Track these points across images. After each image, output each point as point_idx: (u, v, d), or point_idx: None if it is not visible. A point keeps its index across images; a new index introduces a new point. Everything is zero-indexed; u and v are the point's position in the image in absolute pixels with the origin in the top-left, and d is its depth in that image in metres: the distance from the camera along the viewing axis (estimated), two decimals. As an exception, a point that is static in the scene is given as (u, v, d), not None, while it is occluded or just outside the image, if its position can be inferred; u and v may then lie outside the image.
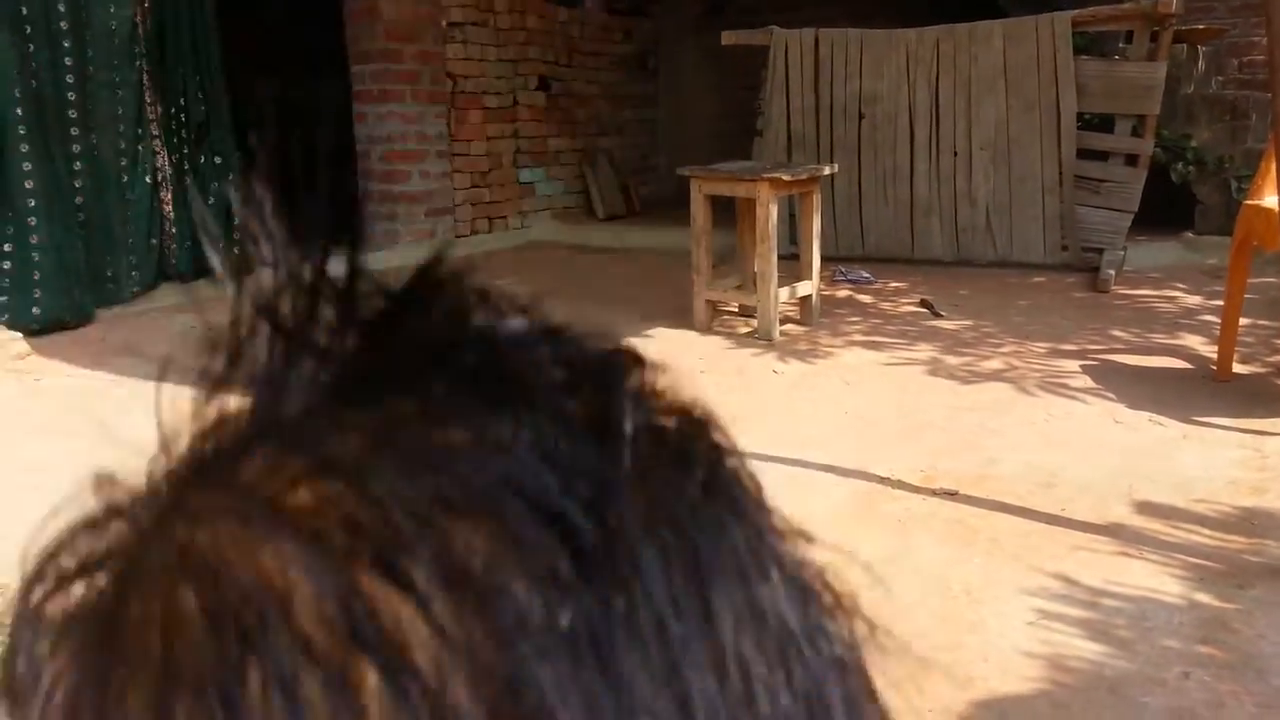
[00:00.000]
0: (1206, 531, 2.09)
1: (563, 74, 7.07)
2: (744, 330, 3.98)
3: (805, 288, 4.04)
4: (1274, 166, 2.96)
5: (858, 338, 3.85)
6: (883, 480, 2.41)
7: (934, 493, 2.33)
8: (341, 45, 5.85)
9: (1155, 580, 1.88)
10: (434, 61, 5.98)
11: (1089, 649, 1.66)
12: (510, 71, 6.56)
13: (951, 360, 3.47)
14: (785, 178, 3.79)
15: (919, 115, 5.36)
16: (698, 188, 3.95)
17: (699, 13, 8.19)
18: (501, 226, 6.60)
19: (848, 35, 5.51)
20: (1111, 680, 1.58)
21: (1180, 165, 5.38)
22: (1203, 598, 1.81)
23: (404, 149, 5.86)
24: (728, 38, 5.73)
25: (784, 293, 3.89)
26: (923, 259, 5.38)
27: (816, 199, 4.03)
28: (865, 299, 4.58)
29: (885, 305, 4.44)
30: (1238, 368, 3.21)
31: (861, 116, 5.50)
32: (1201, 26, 5.60)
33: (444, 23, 6.02)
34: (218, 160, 4.64)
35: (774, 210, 3.79)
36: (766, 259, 3.79)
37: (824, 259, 4.36)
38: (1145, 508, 2.21)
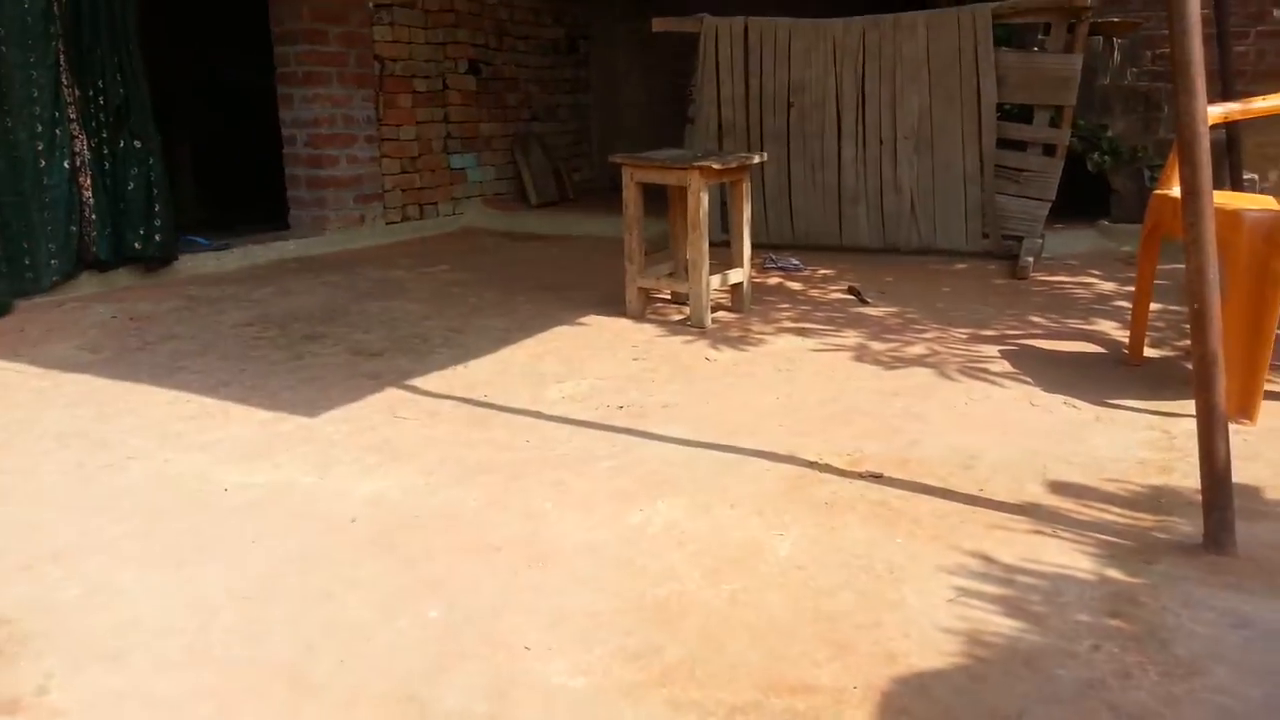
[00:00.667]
0: (1117, 510, 2.19)
1: (493, 57, 7.02)
2: (676, 318, 4.03)
3: (737, 275, 4.09)
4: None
5: (788, 324, 3.92)
6: (811, 464, 2.47)
7: (860, 476, 2.40)
8: (265, 25, 5.73)
9: (1068, 557, 1.97)
10: (361, 43, 5.89)
11: (1005, 624, 1.74)
12: (439, 54, 6.50)
13: (877, 346, 3.56)
14: (716, 166, 3.83)
15: (846, 104, 5.45)
16: (629, 175, 3.98)
17: (630, -3, 8.19)
18: (432, 212, 6.55)
19: (777, 24, 5.57)
20: (1026, 653, 1.65)
21: (1096, 155, 5.56)
22: (1113, 573, 1.90)
23: (331, 132, 5.77)
24: (658, 24, 5.75)
25: (715, 280, 3.94)
26: (851, 246, 5.48)
27: (747, 187, 4.08)
28: (795, 286, 4.66)
29: (814, 292, 4.52)
30: (1149, 352, 3.34)
31: (790, 105, 5.57)
32: (1117, 19, 5.78)
33: (371, 4, 5.94)
34: (137, 144, 4.52)
35: (705, 198, 3.83)
36: (698, 247, 3.83)
37: (755, 246, 4.43)
38: (1059, 487, 2.30)
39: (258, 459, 2.54)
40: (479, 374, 3.27)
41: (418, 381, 3.17)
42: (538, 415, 2.86)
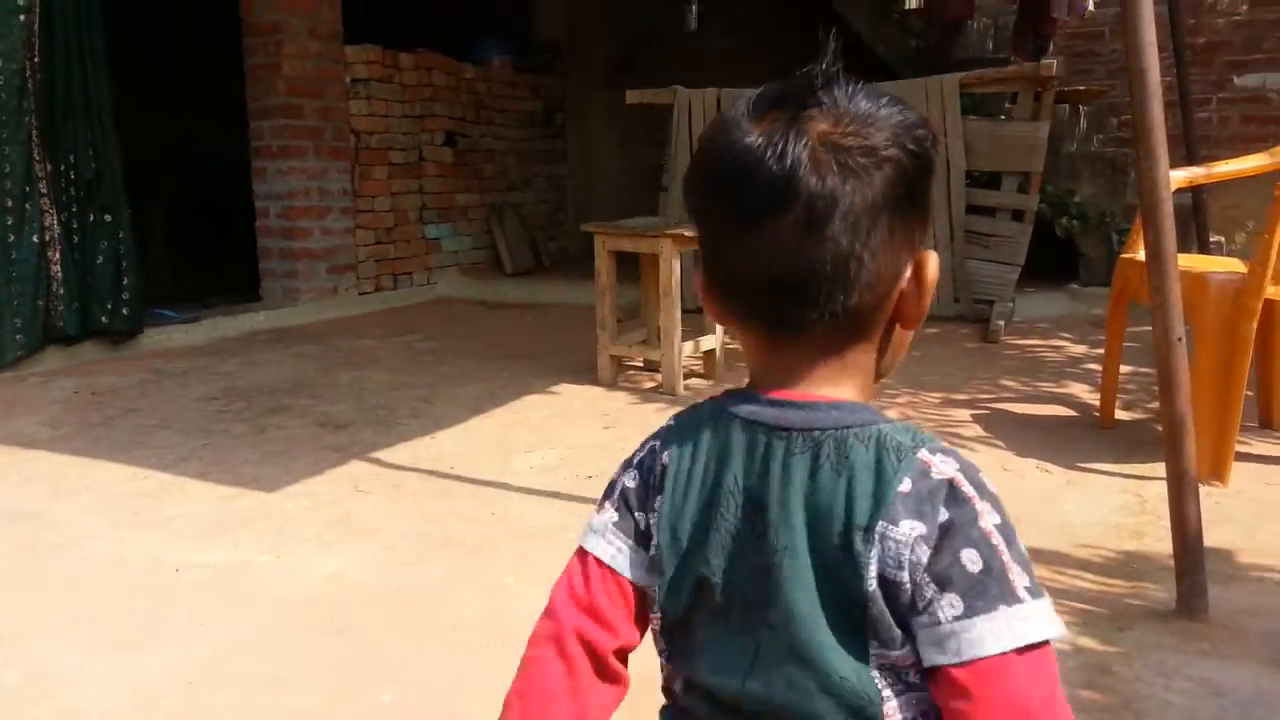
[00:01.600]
0: (1090, 576, 2.15)
1: (469, 130, 7.09)
2: (649, 385, 4.00)
3: (709, 341, 4.08)
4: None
5: (761, 390, 3.89)
6: (781, 533, 2.42)
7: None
8: (242, 98, 5.78)
9: (1041, 626, 1.92)
10: (337, 117, 5.94)
11: (977, 698, 1.68)
12: (416, 127, 6.55)
13: (850, 411, 3.53)
14: (688, 234, 3.84)
15: (818, 172, 5.49)
16: (602, 244, 3.98)
17: (606, 70, 8.33)
18: (407, 283, 6.54)
19: (749, 95, 5.64)
20: (998, 729, 1.60)
21: (1065, 220, 5.63)
22: (1086, 642, 1.86)
23: (305, 205, 5.78)
24: (632, 96, 5.83)
25: (688, 347, 3.92)
26: (825, 311, 5.48)
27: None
28: (769, 351, 4.64)
29: (788, 357, 4.50)
30: (1120, 414, 3.33)
31: (763, 173, 5.62)
32: (1082, 87, 5.90)
33: (348, 79, 6.00)
34: (108, 218, 4.51)
35: (677, 266, 3.83)
36: (670, 314, 3.82)
37: (727, 313, 4.41)
38: (1032, 554, 2.24)
39: (213, 537, 2.47)
40: (446, 445, 3.22)
41: (383, 454, 3.12)
42: (505, 487, 2.81)
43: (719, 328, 4.11)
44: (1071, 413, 3.48)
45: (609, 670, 0.82)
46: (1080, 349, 4.51)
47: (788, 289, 0.73)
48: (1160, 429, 2.03)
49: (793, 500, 0.73)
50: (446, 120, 6.82)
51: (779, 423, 0.75)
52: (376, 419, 3.53)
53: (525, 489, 2.78)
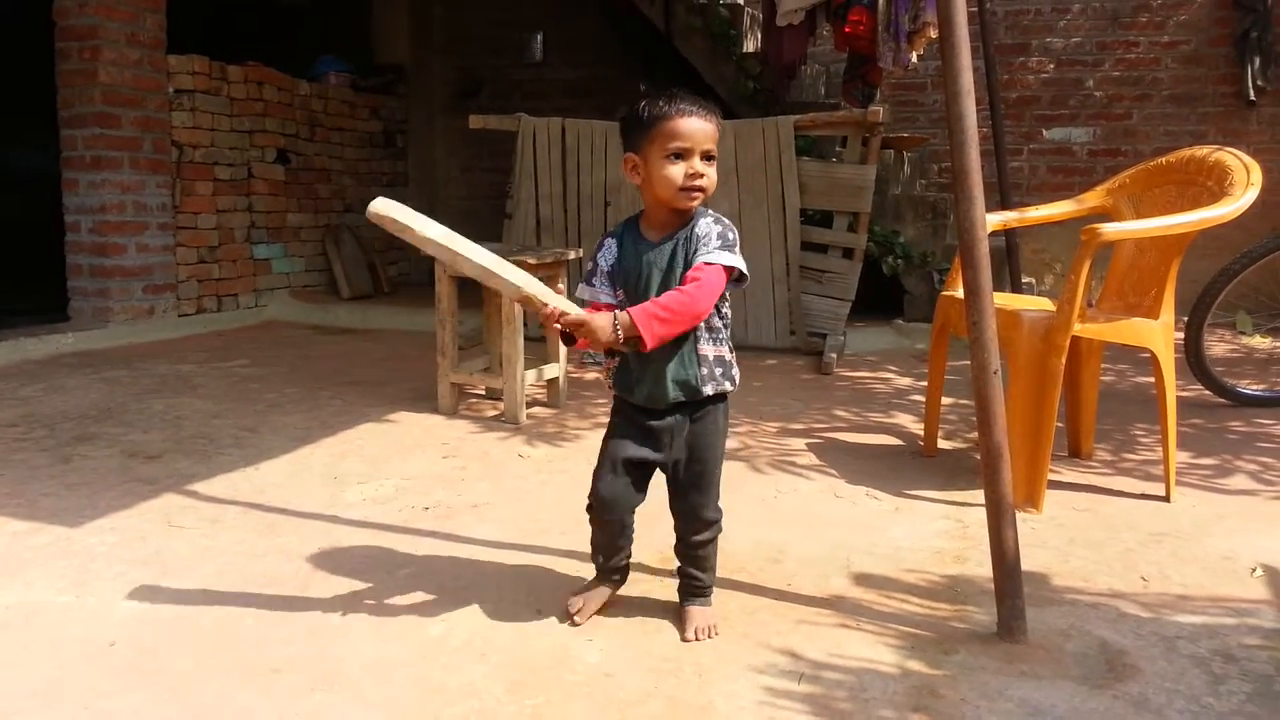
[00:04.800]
0: (917, 600, 2.22)
1: (304, 148, 6.84)
2: (491, 413, 3.92)
3: (552, 370, 4.05)
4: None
5: (604, 420, 3.86)
6: (622, 564, 2.40)
7: (671, 574, 2.34)
8: (50, 105, 5.39)
9: (872, 650, 1.97)
10: (157, 129, 5.62)
11: (813, 724, 1.70)
12: (245, 142, 6.27)
13: (690, 441, 3.56)
14: (531, 261, 3.81)
15: (660, 205, 5.57)
16: (442, 268, 3.90)
17: (450, 95, 8.23)
18: (232, 304, 6.23)
19: (593, 126, 5.69)
20: (833, 754, 1.61)
21: (891, 259, 5.90)
22: (914, 665, 1.91)
23: (120, 220, 5.43)
24: (476, 121, 5.77)
25: (530, 375, 3.88)
26: (666, 342, 5.54)
27: (564, 283, 4.07)
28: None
29: (629, 387, 4.51)
30: (942, 444, 3.49)
31: (607, 204, 5.66)
32: (906, 135, 6.22)
33: (171, 89, 5.69)
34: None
35: (519, 293, 3.78)
36: (513, 341, 3.77)
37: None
38: (862, 579, 2.32)
39: (5, 576, 2.25)
40: (271, 476, 3.05)
41: (200, 486, 2.92)
42: (334, 520, 2.68)
43: (562, 356, 4.08)
44: (898, 442, 3.62)
45: None
46: (906, 381, 4.72)
47: None
48: (979, 458, 2.13)
49: None
50: (278, 137, 6.57)
51: None
52: (194, 449, 3.31)
53: (357, 522, 2.67)
